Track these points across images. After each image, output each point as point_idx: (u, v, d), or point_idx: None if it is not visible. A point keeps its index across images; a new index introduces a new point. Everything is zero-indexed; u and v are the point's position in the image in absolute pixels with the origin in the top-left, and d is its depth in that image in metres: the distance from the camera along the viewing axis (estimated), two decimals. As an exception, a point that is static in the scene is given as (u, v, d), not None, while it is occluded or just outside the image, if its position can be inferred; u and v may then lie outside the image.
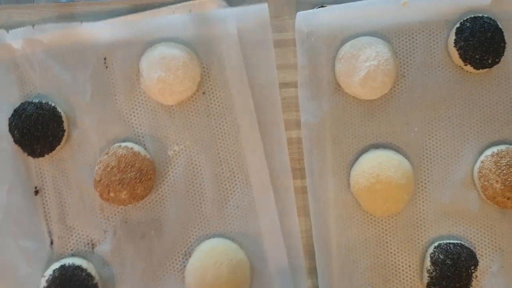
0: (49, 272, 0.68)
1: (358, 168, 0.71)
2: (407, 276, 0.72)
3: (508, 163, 0.69)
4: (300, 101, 0.72)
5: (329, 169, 0.72)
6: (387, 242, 0.72)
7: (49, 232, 0.71)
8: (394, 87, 0.72)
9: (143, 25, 0.70)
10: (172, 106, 0.71)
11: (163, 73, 0.68)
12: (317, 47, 0.72)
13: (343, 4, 0.72)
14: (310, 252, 0.73)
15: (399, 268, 0.72)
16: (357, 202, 0.72)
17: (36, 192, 0.71)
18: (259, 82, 0.71)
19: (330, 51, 0.72)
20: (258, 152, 0.71)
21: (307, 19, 0.71)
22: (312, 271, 0.72)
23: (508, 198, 0.69)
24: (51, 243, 0.71)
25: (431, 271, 0.69)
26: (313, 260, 0.72)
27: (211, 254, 0.69)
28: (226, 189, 0.72)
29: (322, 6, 0.73)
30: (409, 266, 0.72)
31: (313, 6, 0.73)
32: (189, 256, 0.71)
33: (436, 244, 0.71)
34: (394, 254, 0.72)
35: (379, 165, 0.69)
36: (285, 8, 0.73)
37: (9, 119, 0.69)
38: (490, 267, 0.72)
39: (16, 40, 0.70)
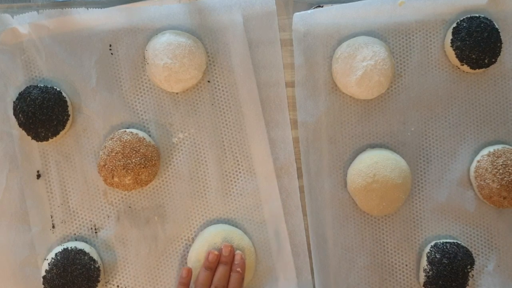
0: (51, 255, 0.68)
1: (355, 167, 0.71)
2: (403, 275, 0.72)
3: (504, 163, 0.69)
4: (297, 100, 0.72)
5: (325, 168, 0.72)
6: (383, 241, 0.72)
7: (53, 216, 0.71)
8: (391, 86, 0.73)
9: (149, 12, 0.71)
10: (177, 93, 0.72)
11: (169, 60, 0.68)
12: (314, 46, 0.72)
13: (340, 4, 0.72)
14: (308, 251, 0.72)
15: (395, 268, 0.72)
16: (354, 202, 0.72)
17: (38, 176, 0.71)
18: (265, 68, 0.72)
19: (327, 51, 0.72)
20: (262, 141, 0.72)
21: (304, 19, 0.72)
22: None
23: (504, 198, 0.69)
24: (53, 226, 0.71)
25: (428, 270, 0.69)
26: (310, 258, 0.72)
27: (215, 240, 0.69)
28: (230, 176, 0.72)
29: (319, 6, 0.73)
30: (406, 266, 0.72)
31: (310, 6, 0.73)
32: (193, 242, 0.71)
33: (432, 243, 0.71)
34: (391, 253, 0.72)
35: (375, 165, 0.69)
36: (282, 8, 0.73)
37: (14, 102, 0.69)
38: (486, 266, 0.72)
39: (22, 25, 0.70)
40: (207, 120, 0.72)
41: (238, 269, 0.67)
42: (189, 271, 0.67)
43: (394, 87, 0.73)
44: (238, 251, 0.69)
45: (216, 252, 0.68)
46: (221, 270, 0.67)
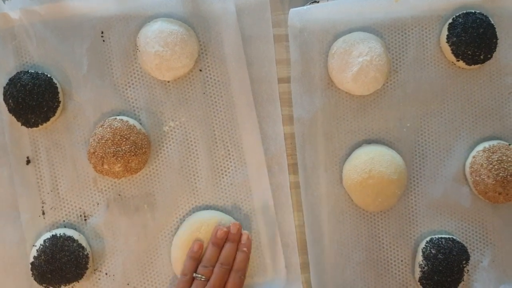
0: (40, 242, 0.68)
1: (351, 163, 0.71)
2: (399, 271, 0.73)
3: (500, 158, 0.69)
4: (293, 96, 0.72)
5: (321, 164, 0.72)
6: (379, 237, 0.73)
7: (42, 203, 0.71)
8: (387, 82, 0.73)
9: (142, 0, 0.71)
10: (168, 82, 0.72)
11: (161, 48, 0.68)
12: (310, 42, 0.72)
13: (336, 0, 0.72)
14: (303, 247, 0.73)
15: (391, 263, 0.73)
16: (350, 197, 0.72)
17: (28, 162, 0.71)
18: (257, 58, 0.72)
19: (323, 47, 0.72)
20: (253, 131, 0.72)
21: (300, 14, 0.72)
22: (305, 266, 0.73)
23: (499, 193, 0.69)
24: (43, 213, 0.71)
25: (423, 265, 0.70)
26: (306, 254, 0.72)
27: (202, 228, 0.69)
28: (221, 166, 0.72)
29: (315, 2, 0.73)
30: (401, 261, 0.73)
31: (306, 2, 0.73)
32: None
33: (428, 238, 0.71)
34: (386, 249, 0.73)
35: (371, 160, 0.69)
36: (278, 3, 0.73)
37: (4, 88, 0.68)
38: (481, 262, 0.73)
39: (14, 10, 0.69)
40: (199, 109, 0.72)
41: (244, 249, 0.67)
42: (201, 246, 0.68)
43: (389, 83, 0.73)
44: (245, 231, 0.69)
45: (224, 229, 0.68)
46: (228, 248, 0.67)
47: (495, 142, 0.71)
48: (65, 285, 0.68)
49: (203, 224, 0.69)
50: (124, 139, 0.67)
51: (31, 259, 0.68)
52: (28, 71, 0.69)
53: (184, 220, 0.72)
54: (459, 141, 0.73)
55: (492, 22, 0.71)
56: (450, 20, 0.71)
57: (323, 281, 0.72)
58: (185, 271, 0.67)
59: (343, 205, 0.72)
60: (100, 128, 0.68)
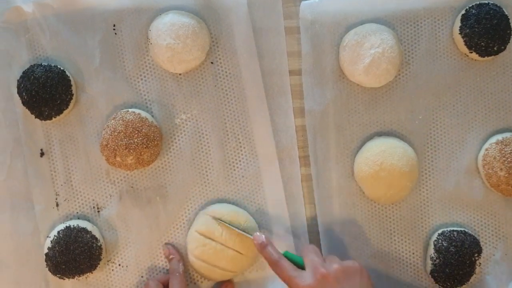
0: (54, 233, 0.69)
1: (362, 155, 0.71)
2: (410, 264, 0.72)
3: (513, 151, 0.69)
4: (304, 88, 0.72)
5: (333, 156, 0.72)
6: (390, 230, 0.72)
7: (56, 194, 0.72)
8: (399, 74, 0.72)
9: None
10: (180, 74, 0.72)
11: (172, 40, 0.68)
12: (321, 34, 0.72)
13: (347, -8, 0.72)
14: (314, 239, 0.73)
15: (402, 256, 0.72)
16: (361, 190, 0.72)
17: (42, 154, 0.72)
18: (268, 50, 0.72)
19: (334, 39, 0.72)
20: (264, 123, 0.72)
21: (312, 6, 0.71)
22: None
23: (512, 186, 0.69)
24: (57, 205, 0.72)
25: (435, 258, 0.69)
26: (317, 247, 0.72)
27: (218, 222, 0.69)
28: (232, 158, 0.73)
29: (327, -6, 0.73)
30: (413, 254, 0.72)
31: (317, -6, 0.73)
32: (195, 219, 0.71)
33: (439, 231, 0.71)
34: (398, 242, 0.72)
35: (383, 153, 0.69)
36: (289, -5, 0.73)
37: (18, 80, 0.69)
38: (494, 255, 0.72)
39: (27, 3, 0.70)
40: (210, 101, 0.72)
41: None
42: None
43: (402, 75, 0.72)
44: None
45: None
46: None
47: (508, 135, 0.71)
48: (79, 276, 0.68)
49: (220, 218, 0.69)
50: (137, 132, 0.68)
51: (46, 250, 0.69)
52: (41, 64, 0.69)
53: (196, 213, 0.72)
54: (472, 134, 0.73)
55: (506, 13, 0.70)
56: (463, 11, 0.70)
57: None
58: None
59: (355, 197, 0.72)
60: (113, 121, 0.69)
